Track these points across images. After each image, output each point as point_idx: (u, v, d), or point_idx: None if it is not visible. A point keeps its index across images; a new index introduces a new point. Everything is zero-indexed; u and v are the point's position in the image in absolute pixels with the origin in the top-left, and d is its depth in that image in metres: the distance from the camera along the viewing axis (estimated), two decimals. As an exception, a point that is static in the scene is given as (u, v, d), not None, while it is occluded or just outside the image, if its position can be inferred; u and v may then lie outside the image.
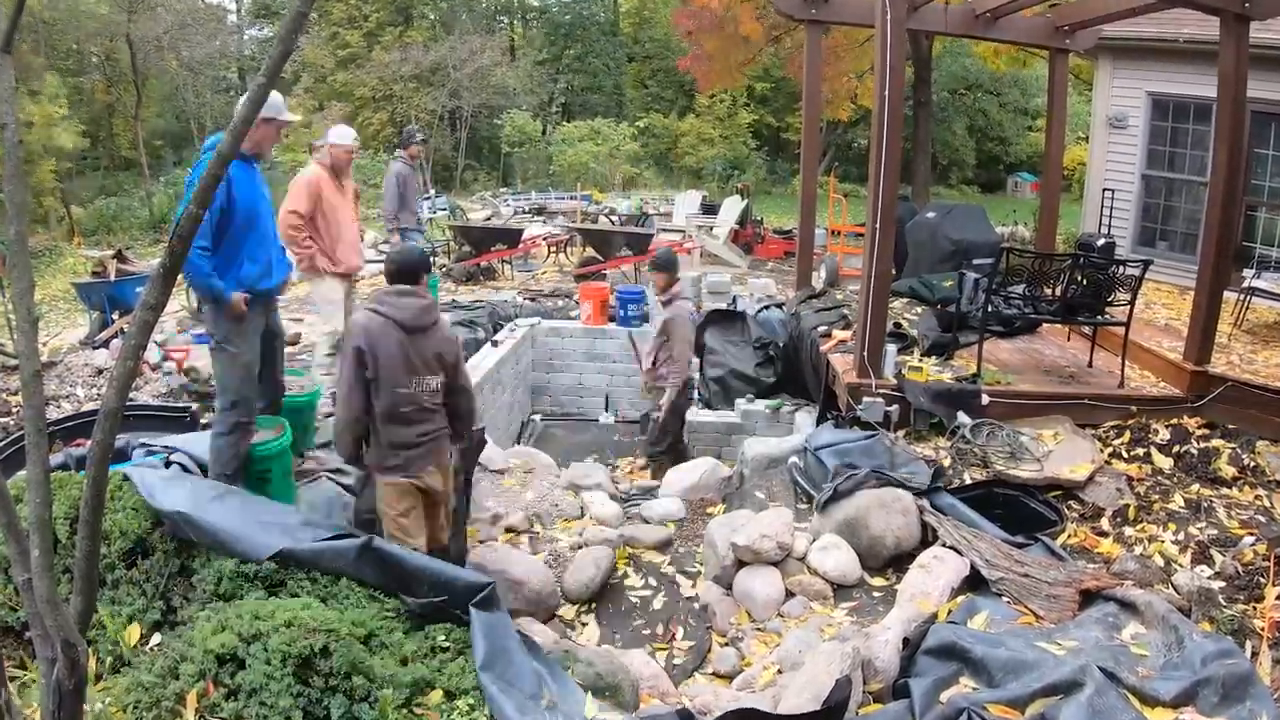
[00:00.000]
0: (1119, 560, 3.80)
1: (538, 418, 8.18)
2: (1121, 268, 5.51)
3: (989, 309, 5.65)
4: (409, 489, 3.52)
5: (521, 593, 3.96)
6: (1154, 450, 4.91)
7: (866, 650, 3.07)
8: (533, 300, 9.78)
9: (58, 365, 6.17)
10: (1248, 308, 7.25)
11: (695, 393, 6.85)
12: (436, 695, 2.59)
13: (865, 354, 5.43)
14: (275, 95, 4.00)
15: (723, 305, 8.17)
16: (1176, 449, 4.90)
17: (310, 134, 22.06)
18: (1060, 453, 4.83)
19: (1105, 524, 4.26)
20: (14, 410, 5.35)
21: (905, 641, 3.14)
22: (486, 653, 2.74)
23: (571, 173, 21.78)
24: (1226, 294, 6.08)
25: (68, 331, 8.03)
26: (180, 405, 5.15)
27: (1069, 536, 4.15)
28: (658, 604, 4.18)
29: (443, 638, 2.87)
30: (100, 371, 6.09)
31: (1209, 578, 3.66)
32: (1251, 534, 4.01)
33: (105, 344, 6.65)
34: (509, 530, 4.81)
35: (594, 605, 4.15)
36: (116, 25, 17.63)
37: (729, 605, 4.03)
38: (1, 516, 1.92)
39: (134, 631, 2.66)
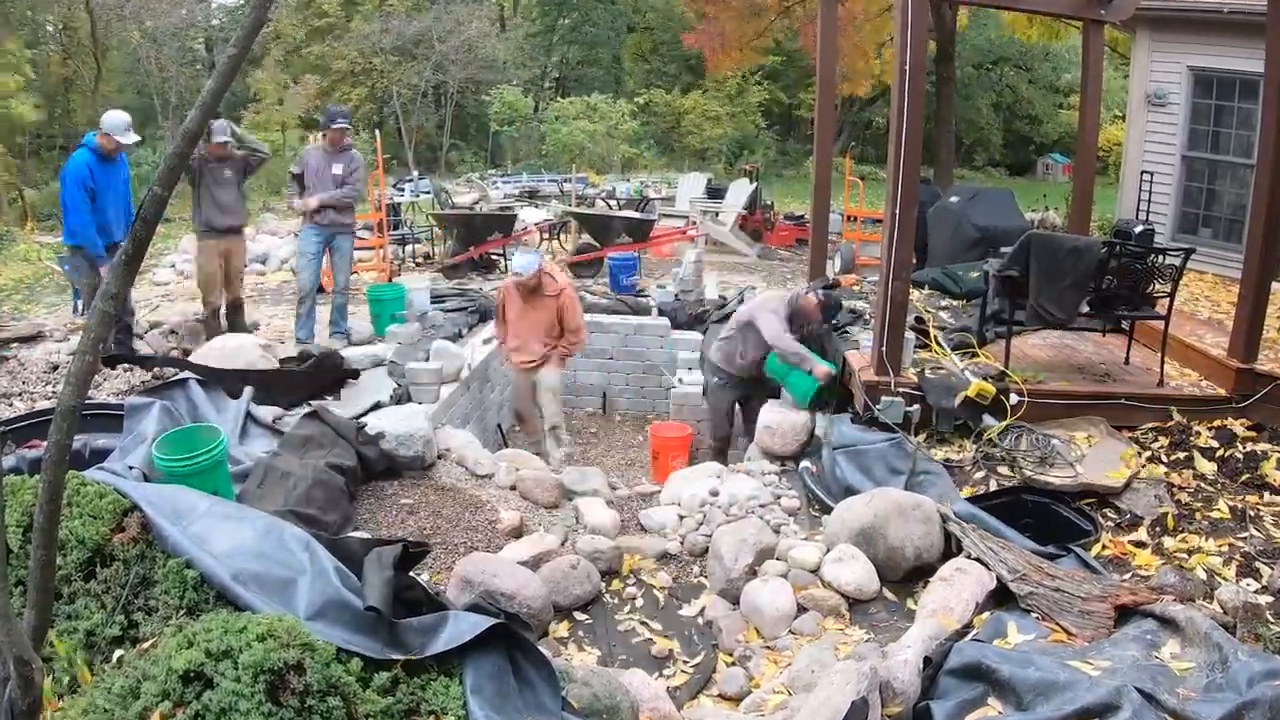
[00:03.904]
0: (1158, 573, 3.80)
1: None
2: (1161, 257, 5.50)
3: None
4: None
5: (511, 608, 3.95)
6: (1196, 454, 4.91)
7: (885, 670, 3.07)
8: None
9: (9, 360, 6.16)
10: (1297, 301, 7.24)
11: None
12: None
13: (884, 350, 5.42)
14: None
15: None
16: (1220, 453, 4.90)
17: (283, 113, 22.05)
18: (1094, 457, 4.83)
19: (1143, 534, 4.26)
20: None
21: (927, 661, 3.14)
22: (475, 676, 2.73)
23: (566, 153, 21.76)
24: (1275, 285, 6.06)
25: (20, 324, 8.02)
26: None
27: (1103, 547, 4.15)
28: (658, 620, 4.17)
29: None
30: (56, 367, 6.08)
31: (1255, 592, 3.66)
32: (1301, 545, 4.01)
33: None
34: (498, 539, 4.80)
35: (591, 621, 4.15)
36: (75, -9, 17.61)
37: (736, 621, 4.03)
38: (-51, 523, 1.91)
39: (85, 673, 2.65)
